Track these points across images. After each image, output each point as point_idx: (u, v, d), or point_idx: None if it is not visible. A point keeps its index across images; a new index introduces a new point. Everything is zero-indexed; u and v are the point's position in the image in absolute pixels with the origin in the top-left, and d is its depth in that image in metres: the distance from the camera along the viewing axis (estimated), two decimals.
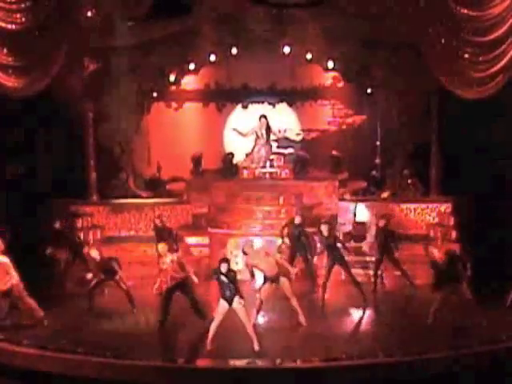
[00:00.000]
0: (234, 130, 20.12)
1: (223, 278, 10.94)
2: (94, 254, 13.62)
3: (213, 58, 20.20)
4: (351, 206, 18.39)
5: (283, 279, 12.23)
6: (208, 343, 11.00)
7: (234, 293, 10.96)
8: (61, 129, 17.74)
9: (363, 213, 18.10)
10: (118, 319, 13.03)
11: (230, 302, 11.00)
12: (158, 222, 16.18)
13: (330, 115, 22.29)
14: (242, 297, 10.97)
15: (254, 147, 19.06)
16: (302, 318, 12.29)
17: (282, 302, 12.87)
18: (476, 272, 12.33)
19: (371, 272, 15.39)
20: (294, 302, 12.32)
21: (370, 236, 16.33)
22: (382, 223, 15.23)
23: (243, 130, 19.70)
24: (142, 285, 14.92)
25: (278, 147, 19.90)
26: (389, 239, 14.91)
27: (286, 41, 19.59)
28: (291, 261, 14.54)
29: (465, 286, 11.98)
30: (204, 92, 22.04)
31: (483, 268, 12.92)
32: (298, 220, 15.31)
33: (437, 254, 12.17)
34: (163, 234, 15.52)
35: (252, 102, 21.97)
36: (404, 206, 18.62)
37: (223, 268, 10.94)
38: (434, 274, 12.17)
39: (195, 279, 12.21)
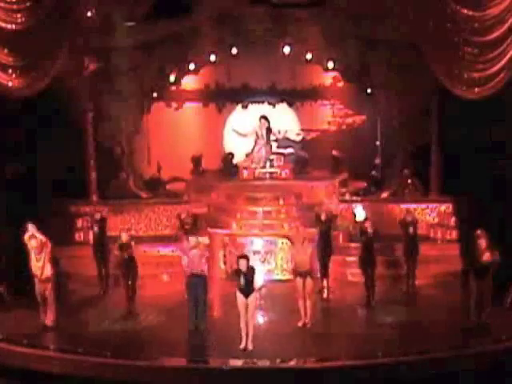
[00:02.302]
0: (234, 131, 20.12)
1: (243, 278, 11.12)
2: (124, 237, 13.65)
3: (213, 58, 20.20)
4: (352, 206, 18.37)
5: (309, 278, 12.34)
6: (247, 343, 11.07)
7: (251, 288, 11.15)
8: (61, 129, 17.74)
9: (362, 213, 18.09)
10: (118, 319, 13.02)
11: (246, 296, 11.14)
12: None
13: (329, 115, 22.32)
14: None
15: (254, 147, 19.06)
16: (308, 320, 12.28)
17: (283, 302, 12.89)
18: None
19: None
20: (309, 303, 12.31)
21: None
22: (411, 230, 15.07)
23: (243, 131, 19.70)
24: (142, 285, 14.91)
25: (278, 147, 19.89)
26: (415, 241, 14.87)
27: (286, 41, 19.60)
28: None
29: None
30: (204, 92, 22.05)
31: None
32: (323, 217, 15.15)
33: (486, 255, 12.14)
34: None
35: (252, 102, 21.98)
36: (404, 206, 18.62)
37: (242, 266, 11.10)
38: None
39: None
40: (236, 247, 15.81)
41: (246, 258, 11.42)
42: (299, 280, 12.34)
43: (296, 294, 12.48)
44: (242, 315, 11.19)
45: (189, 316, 12.20)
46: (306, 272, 12.34)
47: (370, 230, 13.88)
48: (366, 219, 14.33)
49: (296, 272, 12.45)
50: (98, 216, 15.74)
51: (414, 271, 14.85)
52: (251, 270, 11.25)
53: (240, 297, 11.19)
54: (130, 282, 13.51)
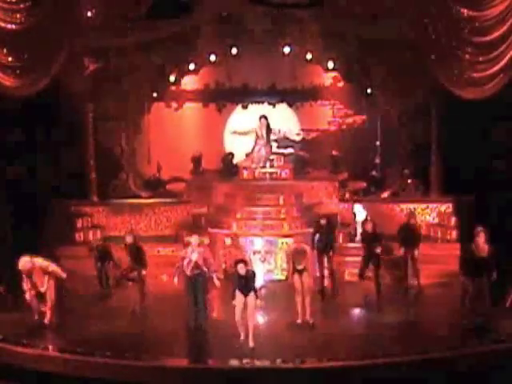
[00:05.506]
0: (234, 132, 20.11)
1: (242, 280, 11.18)
2: (129, 238, 13.68)
3: (213, 58, 20.23)
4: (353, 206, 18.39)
5: (306, 273, 12.30)
6: (248, 340, 11.09)
7: (250, 288, 11.20)
8: (61, 129, 17.74)
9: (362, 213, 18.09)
10: (118, 319, 13.02)
11: (245, 295, 11.18)
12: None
13: (330, 115, 22.33)
14: (256, 292, 11.25)
15: (254, 147, 19.06)
16: (309, 317, 12.26)
17: (283, 302, 12.88)
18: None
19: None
20: (308, 300, 12.28)
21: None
22: (412, 220, 15.13)
23: (243, 129, 19.70)
24: None
25: (278, 147, 19.91)
26: (413, 238, 14.81)
27: (286, 41, 19.62)
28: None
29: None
30: (204, 92, 22.06)
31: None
32: (323, 221, 15.12)
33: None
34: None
35: (252, 102, 21.98)
36: (404, 206, 18.63)
37: (241, 270, 11.14)
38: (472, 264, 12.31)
39: (217, 282, 12.22)
40: (236, 247, 15.84)
41: (244, 261, 11.41)
42: (297, 277, 12.33)
43: (294, 291, 12.45)
44: (237, 312, 11.17)
45: (189, 315, 12.22)
46: (303, 269, 12.32)
47: (370, 231, 13.90)
48: (366, 220, 14.32)
49: (293, 269, 12.43)
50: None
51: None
52: (251, 273, 11.29)
53: (239, 295, 11.21)
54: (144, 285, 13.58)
